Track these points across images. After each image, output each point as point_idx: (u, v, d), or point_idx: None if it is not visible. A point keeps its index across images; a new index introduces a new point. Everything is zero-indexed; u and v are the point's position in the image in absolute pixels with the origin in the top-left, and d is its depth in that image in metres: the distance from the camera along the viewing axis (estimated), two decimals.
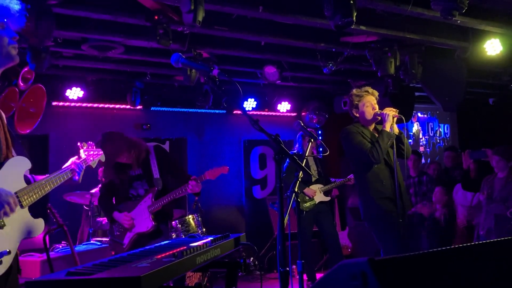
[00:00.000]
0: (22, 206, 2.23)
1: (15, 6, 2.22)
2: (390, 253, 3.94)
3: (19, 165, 2.29)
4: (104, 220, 5.66)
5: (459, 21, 4.77)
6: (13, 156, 2.30)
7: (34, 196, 2.28)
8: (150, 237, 3.96)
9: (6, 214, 2.07)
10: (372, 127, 4.15)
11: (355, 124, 4.18)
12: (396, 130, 4.01)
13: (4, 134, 2.31)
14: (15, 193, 2.20)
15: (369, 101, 4.10)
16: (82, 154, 2.89)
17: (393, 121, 3.97)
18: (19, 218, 2.20)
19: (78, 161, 2.66)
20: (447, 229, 6.18)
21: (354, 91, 4.23)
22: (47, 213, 4.18)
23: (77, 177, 2.62)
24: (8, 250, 2.07)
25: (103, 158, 3.05)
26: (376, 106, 4.11)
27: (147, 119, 7.50)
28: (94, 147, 3.01)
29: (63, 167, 2.61)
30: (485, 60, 6.00)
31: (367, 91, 4.15)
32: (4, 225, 2.10)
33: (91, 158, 2.93)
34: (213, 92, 7.05)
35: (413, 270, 1.29)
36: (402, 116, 4.01)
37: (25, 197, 2.24)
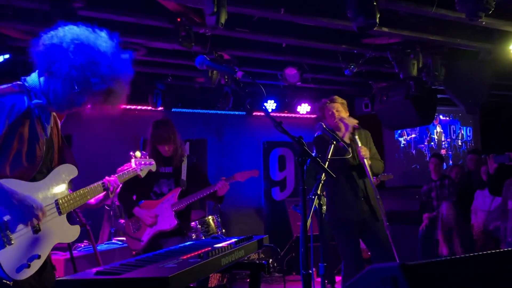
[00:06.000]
0: (60, 213, 2.27)
1: None
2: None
3: (65, 172, 2.35)
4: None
5: (484, 23, 4.69)
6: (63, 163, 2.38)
7: (74, 204, 2.34)
8: (170, 235, 3.99)
9: (32, 225, 2.10)
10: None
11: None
12: (346, 139, 4.21)
13: (58, 141, 2.38)
14: (55, 200, 2.26)
15: (331, 109, 4.30)
16: (132, 163, 3.01)
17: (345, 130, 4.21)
18: (56, 224, 2.24)
19: (110, 178, 2.68)
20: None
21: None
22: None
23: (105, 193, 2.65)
24: (38, 254, 2.11)
25: (153, 168, 3.17)
26: (337, 113, 4.27)
27: None
28: (147, 157, 3.13)
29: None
30: (510, 62, 5.89)
31: (330, 100, 4.38)
32: (39, 230, 2.15)
33: (140, 168, 3.03)
34: (235, 94, 7.09)
35: (444, 275, 1.27)
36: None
37: (65, 204, 2.29)
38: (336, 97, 4.42)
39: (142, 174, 3.04)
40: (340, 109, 4.32)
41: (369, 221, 4.20)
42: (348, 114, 4.43)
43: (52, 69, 2.15)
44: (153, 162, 3.17)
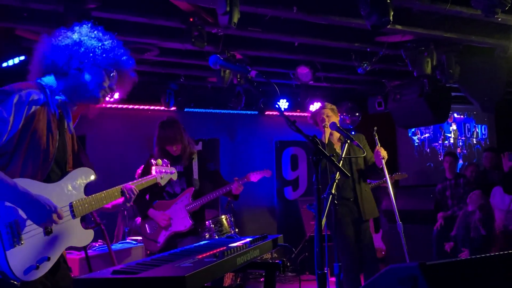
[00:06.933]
0: (74, 217, 2.24)
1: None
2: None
3: (82, 176, 2.32)
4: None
5: (499, 19, 4.62)
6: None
7: (89, 208, 2.30)
8: (184, 235, 4.00)
9: (47, 227, 2.07)
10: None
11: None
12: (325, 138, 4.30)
13: (72, 145, 2.39)
14: (70, 203, 2.23)
15: (321, 116, 4.38)
16: (153, 171, 2.96)
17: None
18: (69, 227, 2.21)
19: (127, 186, 2.60)
20: (485, 236, 5.97)
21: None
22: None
23: (122, 200, 2.58)
24: (48, 256, 2.08)
25: (174, 177, 3.12)
26: (327, 118, 4.31)
27: (180, 120, 7.58)
28: (168, 165, 3.07)
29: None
30: None
31: (320, 107, 4.49)
32: (51, 231, 2.12)
33: (161, 176, 2.98)
34: (247, 93, 7.09)
35: (464, 275, 1.26)
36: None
37: (80, 208, 2.25)
38: (326, 103, 4.48)
39: (163, 182, 2.98)
40: (330, 114, 4.36)
41: (357, 222, 4.22)
42: (339, 118, 4.49)
43: (81, 66, 2.23)
44: (175, 171, 3.11)
